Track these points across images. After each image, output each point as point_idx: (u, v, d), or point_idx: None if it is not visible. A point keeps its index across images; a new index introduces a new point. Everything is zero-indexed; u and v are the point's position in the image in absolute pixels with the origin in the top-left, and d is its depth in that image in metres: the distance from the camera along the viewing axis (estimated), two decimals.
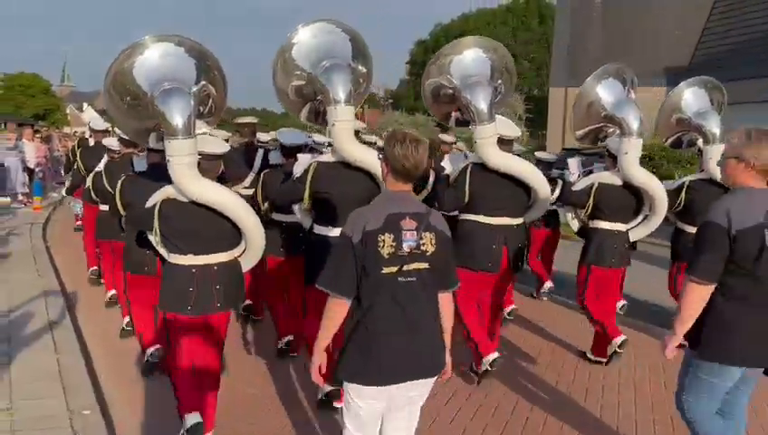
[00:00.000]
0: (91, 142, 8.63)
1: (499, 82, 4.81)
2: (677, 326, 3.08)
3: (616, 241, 5.26)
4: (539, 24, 48.17)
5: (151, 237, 3.84)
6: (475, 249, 4.77)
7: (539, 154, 7.16)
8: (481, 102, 4.60)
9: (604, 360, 5.40)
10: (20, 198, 14.69)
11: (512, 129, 4.89)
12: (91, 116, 24.81)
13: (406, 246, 2.63)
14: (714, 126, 5.60)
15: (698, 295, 3.01)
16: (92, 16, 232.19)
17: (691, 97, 5.78)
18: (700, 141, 5.81)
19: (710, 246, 2.96)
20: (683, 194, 5.68)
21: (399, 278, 2.64)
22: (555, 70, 24.94)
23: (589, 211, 5.28)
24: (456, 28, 50.07)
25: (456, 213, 4.99)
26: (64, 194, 11.26)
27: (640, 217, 5.45)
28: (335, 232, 4.12)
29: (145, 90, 3.50)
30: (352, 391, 2.73)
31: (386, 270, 2.62)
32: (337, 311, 2.67)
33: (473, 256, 4.75)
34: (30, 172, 15.02)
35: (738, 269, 2.95)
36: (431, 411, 4.30)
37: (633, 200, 5.26)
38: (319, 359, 2.76)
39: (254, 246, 3.92)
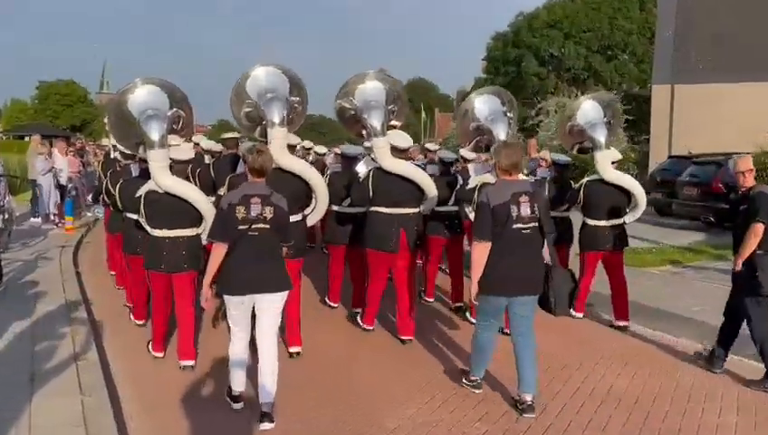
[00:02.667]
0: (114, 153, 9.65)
1: (392, 106, 7.27)
2: (473, 276, 5.42)
3: None
4: (639, 10, 47.09)
5: (140, 218, 6.45)
6: (379, 233, 7.11)
7: (441, 153, 9.16)
8: (375, 121, 7.08)
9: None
10: (51, 218, 15.25)
11: (404, 140, 7.19)
12: None
13: (253, 213, 5.09)
14: (600, 136, 7.83)
15: (483, 249, 5.37)
16: (132, 16, 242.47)
17: (587, 109, 8.08)
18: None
19: (481, 217, 5.37)
20: (581, 193, 7.95)
21: (249, 232, 5.10)
22: (659, 64, 24.17)
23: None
24: (541, 18, 49.55)
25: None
26: (92, 204, 12.56)
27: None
28: None
29: (135, 116, 6.22)
30: (226, 299, 5.26)
31: (241, 227, 5.08)
32: (220, 252, 5.12)
33: (377, 238, 7.12)
34: (62, 189, 15.58)
35: (495, 231, 5.31)
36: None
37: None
38: (209, 282, 5.18)
39: (209, 224, 5.93)
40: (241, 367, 5.39)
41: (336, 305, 8.57)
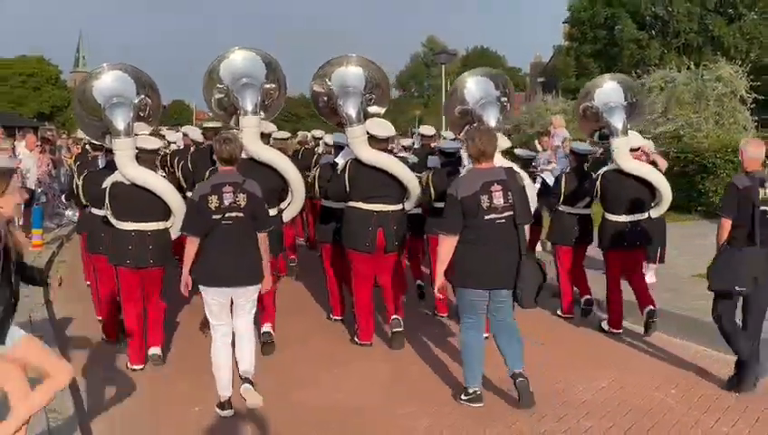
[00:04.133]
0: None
1: (370, 95, 8.55)
2: (438, 269, 6.60)
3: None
4: None
5: (105, 211, 7.63)
6: (354, 231, 8.22)
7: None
8: (350, 109, 8.16)
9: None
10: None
11: (384, 129, 8.22)
12: None
13: (226, 202, 6.24)
14: (618, 121, 8.75)
15: (450, 242, 6.45)
16: None
17: (608, 89, 9.24)
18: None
19: (450, 209, 6.45)
20: (597, 185, 8.94)
21: (223, 222, 6.27)
22: None
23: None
24: None
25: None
26: (66, 205, 13.61)
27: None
28: None
29: (100, 102, 7.57)
30: (203, 290, 6.49)
31: (215, 217, 6.22)
32: (194, 245, 6.31)
33: (353, 237, 8.23)
34: (29, 194, 15.79)
35: (466, 221, 6.35)
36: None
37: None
38: (187, 270, 6.39)
39: (178, 218, 7.46)
40: (225, 369, 6.55)
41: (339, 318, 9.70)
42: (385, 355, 8.35)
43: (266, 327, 8.26)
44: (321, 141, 14.79)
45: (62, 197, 13.95)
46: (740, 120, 22.34)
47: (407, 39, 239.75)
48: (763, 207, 6.69)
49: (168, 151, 12.82)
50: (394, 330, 8.41)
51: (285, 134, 13.68)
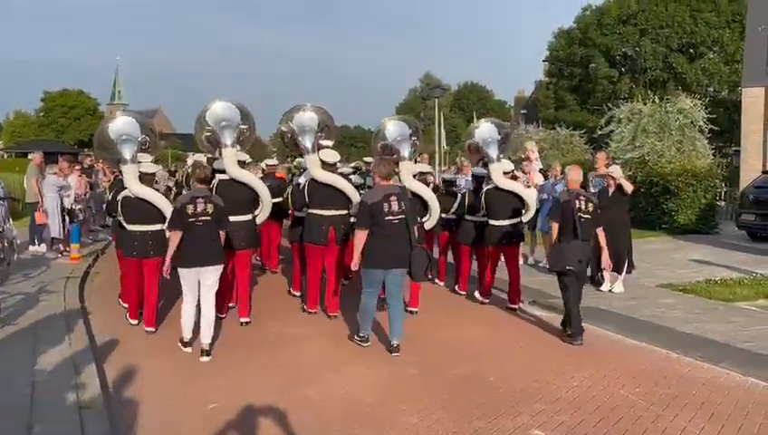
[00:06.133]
0: None
1: (321, 133, 10.57)
2: (354, 253, 8.34)
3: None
4: (729, 1, 46.48)
5: (118, 217, 9.58)
6: (313, 230, 10.05)
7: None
8: (307, 142, 10.31)
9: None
10: (55, 245, 15.55)
11: (331, 157, 10.15)
12: None
13: (198, 209, 8.19)
14: (493, 152, 10.88)
15: (362, 235, 8.25)
16: (148, 19, 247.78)
17: (484, 129, 11.38)
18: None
19: (362, 212, 8.33)
20: (482, 199, 10.82)
21: (196, 223, 8.17)
22: (750, 63, 23.87)
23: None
24: (611, 12, 49.27)
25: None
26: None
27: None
28: (233, 218, 9.16)
29: (113, 139, 9.76)
30: (179, 271, 8.33)
31: (191, 219, 8.15)
32: (176, 238, 8.17)
33: (312, 234, 10.06)
34: (68, 213, 15.90)
35: (374, 222, 8.19)
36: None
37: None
38: (170, 258, 8.25)
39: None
40: (189, 322, 8.46)
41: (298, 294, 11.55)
42: (383, 356, 8.40)
43: (244, 319, 9.85)
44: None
45: (104, 210, 14.47)
46: (699, 147, 22.47)
47: (407, 75, 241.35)
48: (579, 214, 8.80)
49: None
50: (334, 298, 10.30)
51: (275, 162, 15.83)
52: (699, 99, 23.87)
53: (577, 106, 51.57)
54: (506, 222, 10.57)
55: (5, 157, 61.36)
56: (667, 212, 19.38)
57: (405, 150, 10.74)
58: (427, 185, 11.33)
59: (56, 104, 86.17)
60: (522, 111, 68.02)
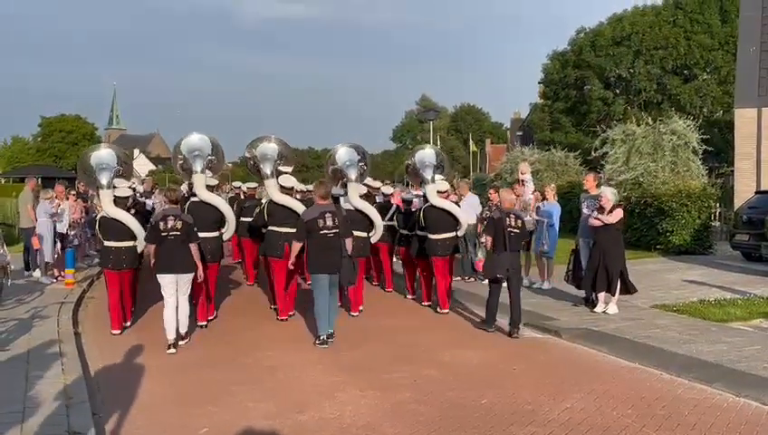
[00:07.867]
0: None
1: (280, 161, 12.22)
2: (291, 256, 10.44)
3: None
4: (721, 22, 46.76)
5: (98, 234, 11.57)
6: (272, 245, 11.45)
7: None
8: (267, 168, 11.94)
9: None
10: (49, 271, 15.49)
11: (289, 181, 11.76)
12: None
13: (169, 226, 9.70)
14: (428, 174, 12.65)
15: (297, 246, 10.28)
16: (146, 43, 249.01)
17: (423, 154, 13.38)
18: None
19: (299, 226, 10.26)
20: (420, 216, 12.44)
21: (168, 237, 9.69)
22: (742, 85, 23.92)
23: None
24: (605, 34, 49.51)
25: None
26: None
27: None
28: (202, 234, 10.59)
29: (93, 166, 11.39)
30: (158, 277, 9.81)
31: (164, 234, 9.70)
32: (152, 249, 9.83)
33: (271, 248, 11.46)
34: (62, 238, 15.84)
35: (311, 235, 10.03)
36: None
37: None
38: (152, 265, 9.93)
39: (140, 240, 10.65)
40: (170, 325, 9.65)
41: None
42: (376, 380, 8.36)
43: (202, 323, 11.19)
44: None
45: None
46: (692, 168, 22.45)
47: (407, 97, 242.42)
48: (509, 229, 10.26)
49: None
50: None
51: (254, 184, 17.23)
52: (693, 119, 23.92)
53: (572, 127, 51.69)
54: (443, 235, 12.05)
55: (3, 182, 61.34)
56: (662, 233, 19.39)
57: (352, 174, 12.50)
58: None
59: (54, 129, 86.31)
60: (518, 133, 68.27)
